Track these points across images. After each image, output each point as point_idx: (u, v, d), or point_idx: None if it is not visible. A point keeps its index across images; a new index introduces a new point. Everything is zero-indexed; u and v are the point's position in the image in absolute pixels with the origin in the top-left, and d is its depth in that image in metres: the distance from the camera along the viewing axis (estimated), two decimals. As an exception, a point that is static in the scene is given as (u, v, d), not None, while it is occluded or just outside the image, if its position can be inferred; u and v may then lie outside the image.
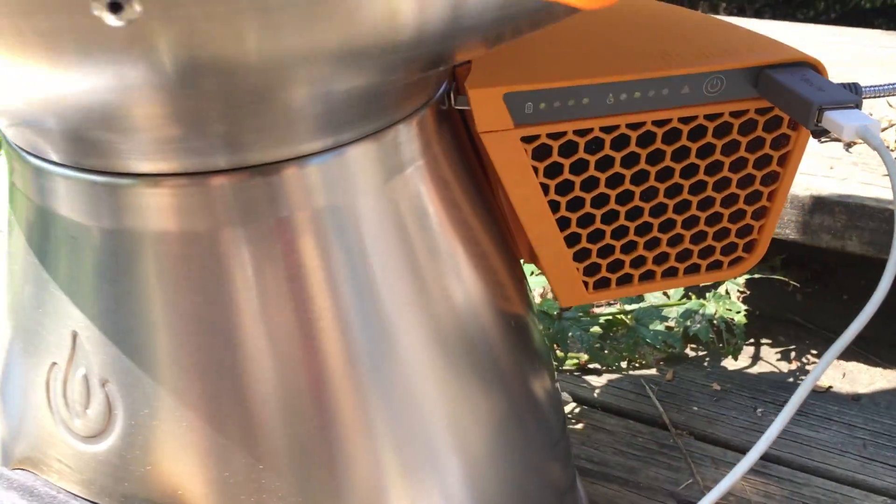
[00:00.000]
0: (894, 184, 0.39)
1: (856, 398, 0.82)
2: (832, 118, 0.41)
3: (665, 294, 0.88)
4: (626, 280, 0.54)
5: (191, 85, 0.24)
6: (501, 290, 0.50)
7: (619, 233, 0.52)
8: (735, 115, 0.48)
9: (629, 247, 0.52)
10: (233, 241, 0.38)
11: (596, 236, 0.51)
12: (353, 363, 0.41)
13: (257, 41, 0.23)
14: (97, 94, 0.25)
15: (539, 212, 0.49)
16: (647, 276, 0.54)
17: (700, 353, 0.88)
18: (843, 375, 0.85)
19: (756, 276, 0.87)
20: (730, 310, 0.82)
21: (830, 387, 0.84)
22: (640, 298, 0.85)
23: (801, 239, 0.77)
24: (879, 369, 0.86)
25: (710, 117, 0.48)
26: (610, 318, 0.80)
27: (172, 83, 0.23)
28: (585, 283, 0.53)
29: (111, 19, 0.21)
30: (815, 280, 0.99)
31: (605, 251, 0.52)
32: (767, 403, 0.82)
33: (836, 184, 0.75)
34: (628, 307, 0.83)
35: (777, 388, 0.84)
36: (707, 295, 0.85)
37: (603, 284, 0.54)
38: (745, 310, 0.84)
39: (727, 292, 0.87)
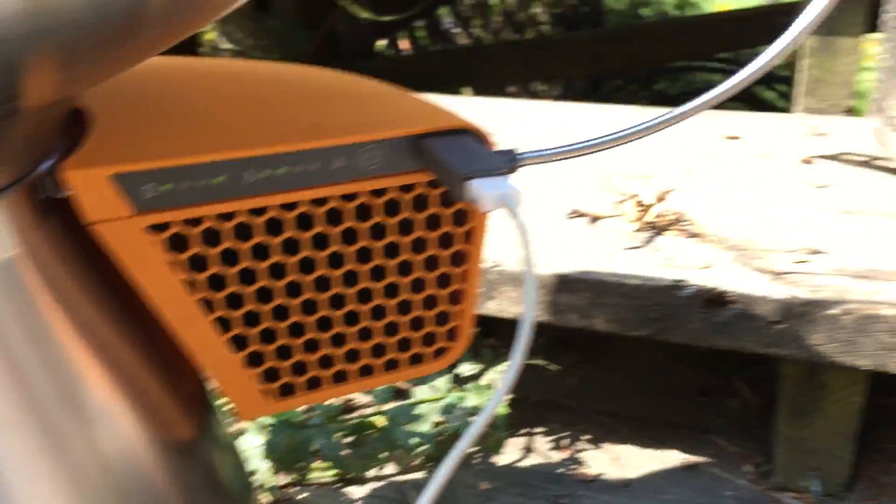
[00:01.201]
0: (528, 257, 0.34)
1: (625, 484, 0.78)
2: (475, 187, 0.36)
3: (432, 387, 0.82)
4: (315, 384, 0.47)
5: None
6: (157, 414, 0.42)
7: (295, 330, 0.45)
8: (404, 189, 0.43)
9: (310, 346, 0.45)
10: None
11: (266, 337, 0.44)
12: None
13: None
14: None
15: (188, 314, 0.41)
16: (340, 378, 0.47)
17: (473, 449, 0.82)
18: (614, 460, 0.81)
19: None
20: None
21: (600, 474, 0.79)
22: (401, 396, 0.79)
23: (550, 319, 0.73)
24: (651, 450, 0.82)
25: (375, 193, 0.42)
26: (360, 421, 0.73)
27: None
28: (266, 392, 0.45)
29: None
30: (589, 361, 0.96)
31: (282, 353, 0.45)
32: (538, 500, 0.76)
33: (577, 259, 0.72)
34: (384, 406, 0.76)
35: (548, 480, 0.78)
36: (467, 386, 0.79)
37: (288, 391, 0.46)
38: (511, 399, 0.79)
39: (490, 384, 0.81)
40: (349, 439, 0.75)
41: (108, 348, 0.40)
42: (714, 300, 0.67)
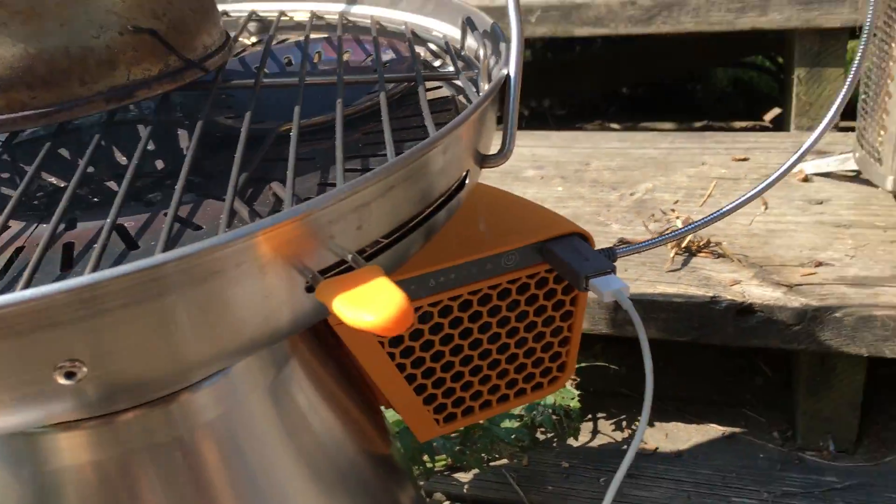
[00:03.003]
0: (637, 324, 0.51)
1: (678, 455, 0.95)
2: (595, 285, 0.52)
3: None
4: (469, 412, 0.64)
5: (108, 406, 0.31)
6: (363, 433, 0.59)
7: (457, 377, 0.61)
8: (530, 277, 0.59)
9: (467, 386, 0.62)
10: (139, 462, 0.45)
11: (438, 383, 0.61)
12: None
13: (164, 365, 0.31)
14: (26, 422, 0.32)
15: (389, 375, 0.58)
16: (486, 405, 0.64)
17: (549, 436, 0.99)
18: (666, 436, 0.98)
19: (583, 364, 0.99)
20: (565, 398, 0.93)
21: (657, 448, 0.96)
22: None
23: (612, 332, 0.90)
24: (695, 426, 0.99)
25: (511, 282, 0.59)
26: (467, 423, 0.90)
27: (94, 408, 0.31)
28: (437, 420, 0.62)
29: (63, 381, 0.28)
30: (636, 353, 1.12)
31: (448, 393, 0.62)
32: (609, 472, 0.93)
33: (630, 285, 0.88)
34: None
35: (615, 456, 0.96)
36: (545, 387, 0.96)
37: (451, 418, 0.63)
38: (579, 394, 0.96)
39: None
40: (457, 437, 0.92)
41: (338, 400, 0.57)
42: (744, 311, 0.84)
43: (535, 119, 1.90)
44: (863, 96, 0.91)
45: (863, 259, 0.87)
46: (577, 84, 1.99)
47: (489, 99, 0.37)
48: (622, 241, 0.96)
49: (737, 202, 0.65)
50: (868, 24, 0.58)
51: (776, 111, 1.69)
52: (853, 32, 1.08)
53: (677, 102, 1.96)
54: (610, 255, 0.56)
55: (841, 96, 0.58)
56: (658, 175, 1.10)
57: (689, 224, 0.65)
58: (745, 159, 1.11)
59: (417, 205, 0.35)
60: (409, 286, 0.55)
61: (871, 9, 0.58)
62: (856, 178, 1.02)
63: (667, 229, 0.95)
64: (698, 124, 1.80)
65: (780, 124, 1.57)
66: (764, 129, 1.68)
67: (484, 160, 0.41)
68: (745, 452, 0.94)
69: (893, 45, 0.81)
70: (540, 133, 1.29)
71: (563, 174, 1.14)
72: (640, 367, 1.13)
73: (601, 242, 0.98)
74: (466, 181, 0.41)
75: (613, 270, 0.54)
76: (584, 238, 0.58)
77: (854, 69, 0.58)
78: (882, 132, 0.87)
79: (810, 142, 0.60)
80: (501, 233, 0.59)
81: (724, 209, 0.66)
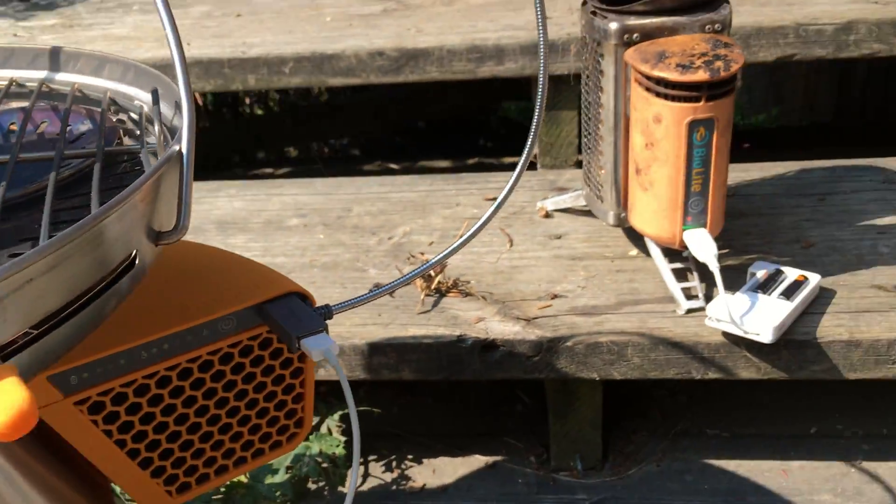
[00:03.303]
0: (346, 390, 0.52)
1: (444, 489, 0.98)
2: (306, 345, 0.53)
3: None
4: (204, 479, 0.62)
5: None
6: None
7: (186, 446, 0.60)
8: (252, 339, 0.59)
9: (198, 454, 0.61)
10: None
11: (165, 455, 0.59)
12: None
13: None
14: None
15: (107, 452, 0.56)
16: (222, 470, 0.63)
17: (320, 485, 0.98)
18: (434, 472, 1.01)
19: (342, 412, 1.00)
20: (330, 445, 0.93)
21: (424, 485, 0.99)
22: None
23: (367, 377, 0.91)
24: (461, 458, 1.03)
25: (233, 346, 0.58)
26: (229, 483, 0.88)
27: None
28: (168, 492, 0.60)
29: None
30: (406, 392, 1.15)
31: (178, 463, 0.60)
32: (379, 514, 0.94)
33: (383, 329, 0.91)
34: (246, 466, 0.91)
35: (387, 498, 0.97)
36: (310, 437, 0.96)
37: (184, 488, 0.61)
38: (344, 440, 0.97)
39: (329, 430, 0.98)
40: (220, 497, 0.90)
41: (44, 480, 0.54)
42: (487, 347, 0.88)
43: (311, 161, 1.91)
44: (584, 139, 0.99)
45: (592, 289, 0.94)
46: (355, 125, 2.02)
47: (151, 178, 0.37)
48: (377, 286, 0.99)
49: (452, 247, 0.69)
50: (539, 101, 0.64)
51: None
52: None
53: (457, 139, 2.04)
54: (325, 313, 0.57)
55: (526, 152, 0.62)
56: (416, 218, 1.14)
57: (415, 270, 0.68)
58: (495, 199, 1.17)
59: (67, 294, 0.34)
60: (119, 360, 0.53)
61: (541, 88, 0.63)
62: (590, 212, 1.10)
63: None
64: (471, 161, 1.88)
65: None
66: (532, 164, 1.78)
67: (159, 237, 0.41)
68: (506, 479, 0.98)
69: (601, 92, 0.89)
70: (304, 181, 1.29)
71: (325, 221, 1.16)
72: (410, 406, 1.16)
73: (358, 289, 1.00)
74: (136, 262, 0.41)
75: (325, 329, 0.55)
76: (303, 297, 0.59)
77: (533, 129, 0.63)
78: (601, 171, 0.94)
79: (503, 194, 0.65)
80: (217, 296, 0.58)
81: (442, 254, 0.70)
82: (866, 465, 0.97)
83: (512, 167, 1.78)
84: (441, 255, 0.70)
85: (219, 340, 0.57)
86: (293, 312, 0.57)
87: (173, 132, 0.53)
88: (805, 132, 1.95)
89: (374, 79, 1.20)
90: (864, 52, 1.11)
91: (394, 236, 1.10)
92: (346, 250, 1.08)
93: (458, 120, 2.06)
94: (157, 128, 0.45)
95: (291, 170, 1.96)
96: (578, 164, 1.26)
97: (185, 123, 0.41)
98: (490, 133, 2.10)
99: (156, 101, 0.48)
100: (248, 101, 1.94)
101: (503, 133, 2.09)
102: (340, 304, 0.60)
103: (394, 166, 1.99)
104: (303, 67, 1.20)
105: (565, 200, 1.09)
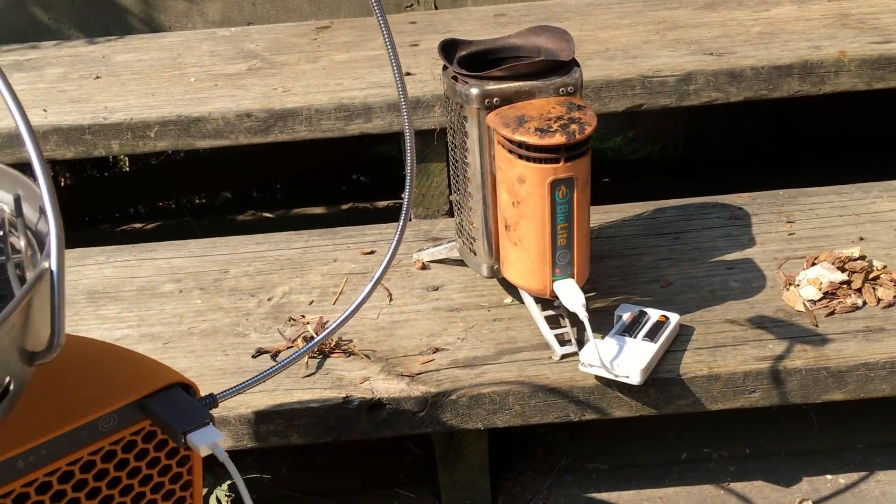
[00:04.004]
0: (237, 481, 0.52)
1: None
2: (191, 439, 0.53)
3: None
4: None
5: None
6: None
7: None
8: (135, 434, 0.58)
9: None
10: None
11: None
12: None
13: None
14: None
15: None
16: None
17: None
18: (327, 532, 1.00)
19: (230, 482, 0.98)
20: (221, 518, 0.92)
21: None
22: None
23: (256, 445, 0.91)
24: (353, 515, 1.03)
25: (115, 443, 0.57)
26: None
27: None
28: None
29: None
30: (296, 451, 1.14)
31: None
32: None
33: (268, 396, 0.90)
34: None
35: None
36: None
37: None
38: (237, 510, 0.95)
39: (218, 500, 0.96)
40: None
41: None
42: (374, 406, 0.89)
43: (178, 215, 1.87)
44: (454, 195, 1.02)
45: (472, 340, 0.97)
46: (227, 177, 1.99)
47: (19, 306, 0.37)
48: (261, 351, 0.98)
49: (344, 315, 0.70)
50: (409, 165, 0.66)
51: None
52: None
53: (331, 176, 2.05)
54: (210, 402, 0.57)
55: (400, 227, 0.64)
56: (294, 277, 1.13)
57: (307, 344, 0.69)
58: (371, 252, 1.18)
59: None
60: (-6, 473, 0.51)
61: (408, 175, 0.66)
62: (462, 262, 1.13)
63: (300, 335, 0.98)
64: (345, 206, 1.89)
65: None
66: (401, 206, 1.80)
67: (33, 358, 0.40)
68: (399, 533, 0.99)
69: (467, 151, 0.93)
70: (177, 243, 1.27)
71: (202, 285, 1.14)
72: (300, 466, 1.15)
73: (240, 354, 0.99)
74: (11, 388, 0.40)
75: (211, 421, 0.55)
76: (186, 386, 0.58)
77: (406, 196, 0.65)
78: (472, 226, 0.98)
79: (383, 266, 0.67)
80: (96, 395, 0.57)
81: (334, 325, 0.71)
82: (734, 485, 1.03)
83: (386, 211, 1.81)
84: (333, 325, 0.71)
85: (100, 440, 0.56)
86: (176, 405, 0.56)
87: (39, 237, 0.51)
88: (657, 163, 2.07)
89: (244, 140, 1.20)
90: (704, 99, 1.19)
91: (273, 297, 1.09)
92: (225, 314, 1.07)
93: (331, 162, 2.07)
94: (22, 242, 0.44)
95: (161, 223, 1.92)
96: (450, 213, 1.30)
97: (52, 237, 0.41)
98: (363, 168, 2.12)
99: (19, 212, 0.47)
100: (112, 158, 1.88)
101: (377, 169, 2.11)
102: (225, 392, 0.59)
103: (268, 215, 1.98)
104: (168, 131, 1.18)
105: (441, 252, 1.11)
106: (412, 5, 1.62)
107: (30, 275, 0.40)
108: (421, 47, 1.39)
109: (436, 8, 1.60)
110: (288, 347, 0.98)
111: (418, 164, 1.23)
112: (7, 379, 0.38)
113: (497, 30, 1.44)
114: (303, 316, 1.03)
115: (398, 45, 1.37)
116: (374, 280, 0.72)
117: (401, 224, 0.67)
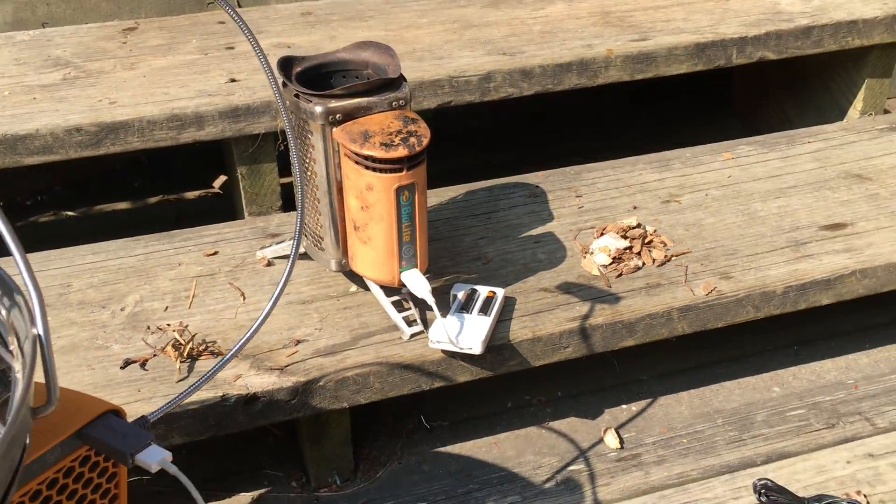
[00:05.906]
0: (191, 490, 0.60)
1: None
2: (141, 460, 0.60)
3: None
4: None
5: None
6: None
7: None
8: (74, 460, 0.63)
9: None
10: None
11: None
12: None
13: None
14: None
15: None
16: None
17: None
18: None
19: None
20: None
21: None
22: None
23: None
24: (227, 500, 1.10)
25: (58, 471, 0.62)
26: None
27: None
28: None
29: None
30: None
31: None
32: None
33: (147, 404, 0.95)
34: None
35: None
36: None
37: None
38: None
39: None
40: None
41: None
42: (250, 401, 0.97)
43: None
44: (299, 195, 1.10)
45: (328, 329, 1.07)
46: (27, 178, 1.90)
47: (31, 379, 0.43)
48: (129, 362, 1.02)
49: (248, 334, 0.77)
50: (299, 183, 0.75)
51: (223, 178, 1.85)
52: (277, 136, 1.29)
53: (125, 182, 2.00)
54: (144, 423, 0.64)
55: (298, 229, 0.73)
56: (142, 284, 1.16)
57: (221, 360, 0.76)
58: (215, 253, 1.24)
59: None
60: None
61: (297, 176, 0.74)
62: (306, 255, 1.22)
63: (168, 343, 1.03)
64: (154, 200, 1.87)
65: (228, 191, 1.73)
66: (216, 195, 1.82)
67: (35, 413, 0.46)
68: (275, 508, 1.08)
69: (313, 162, 1.01)
70: (3, 259, 1.24)
71: (46, 301, 1.14)
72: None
73: (107, 367, 1.02)
74: (27, 442, 0.46)
75: (152, 440, 0.62)
76: (116, 412, 0.65)
77: (299, 206, 0.74)
78: (319, 227, 1.07)
79: (285, 277, 0.75)
80: (41, 429, 0.62)
81: (238, 345, 0.78)
82: (552, 423, 1.22)
83: (200, 202, 1.81)
84: (238, 345, 0.78)
85: (47, 470, 0.61)
86: (115, 430, 0.62)
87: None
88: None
89: (74, 154, 1.19)
90: (502, 94, 1.35)
91: (125, 306, 1.12)
92: (80, 329, 1.09)
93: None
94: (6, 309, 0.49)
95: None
96: (282, 209, 1.37)
97: (35, 305, 0.47)
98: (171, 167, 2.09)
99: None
100: None
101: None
102: (155, 411, 0.66)
103: (70, 213, 1.91)
104: (-7, 150, 1.15)
105: (284, 248, 1.19)
106: (213, 2, 1.64)
107: (27, 346, 0.45)
108: (237, 50, 1.43)
109: (239, 6, 1.63)
110: (155, 356, 1.03)
111: (250, 166, 1.29)
112: (28, 437, 0.44)
113: (307, 28, 1.51)
114: (168, 325, 1.07)
115: (213, 49, 1.40)
116: (277, 292, 0.80)
117: (292, 256, 0.75)
